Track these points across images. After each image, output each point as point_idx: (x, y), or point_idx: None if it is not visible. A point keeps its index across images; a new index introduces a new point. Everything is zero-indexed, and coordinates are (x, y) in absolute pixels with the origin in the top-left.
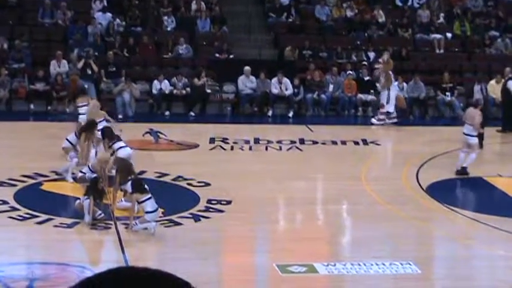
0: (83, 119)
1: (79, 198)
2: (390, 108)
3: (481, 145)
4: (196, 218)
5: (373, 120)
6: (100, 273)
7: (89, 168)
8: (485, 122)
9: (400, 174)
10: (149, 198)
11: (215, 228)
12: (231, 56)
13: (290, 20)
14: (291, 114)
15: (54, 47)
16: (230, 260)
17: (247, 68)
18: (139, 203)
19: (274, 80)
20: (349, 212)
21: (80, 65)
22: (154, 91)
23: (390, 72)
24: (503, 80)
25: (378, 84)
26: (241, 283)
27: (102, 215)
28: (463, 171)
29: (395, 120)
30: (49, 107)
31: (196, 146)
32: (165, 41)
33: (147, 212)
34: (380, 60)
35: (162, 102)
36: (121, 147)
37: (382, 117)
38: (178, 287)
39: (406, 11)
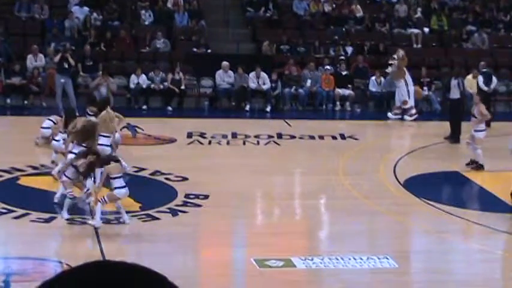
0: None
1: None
2: (412, 102)
3: (458, 140)
4: (174, 212)
5: (390, 115)
6: (76, 266)
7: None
8: (462, 116)
9: (377, 169)
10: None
11: (193, 223)
12: (209, 51)
13: (268, 14)
14: (268, 108)
15: (30, 41)
16: (208, 255)
17: (225, 62)
18: (111, 178)
19: (252, 74)
20: (326, 206)
21: (57, 59)
22: (131, 85)
23: (404, 68)
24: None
25: (389, 78)
26: (218, 277)
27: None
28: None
29: (416, 115)
30: (26, 101)
31: (173, 140)
32: (143, 35)
33: (115, 188)
34: (395, 56)
35: (140, 97)
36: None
37: (398, 111)
38: (154, 281)
39: (384, 6)
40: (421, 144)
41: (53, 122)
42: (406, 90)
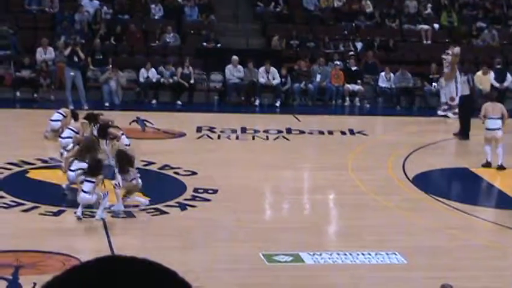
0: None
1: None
2: (458, 100)
3: (467, 136)
4: (183, 206)
5: (439, 112)
6: (86, 261)
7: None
8: (472, 113)
9: (386, 165)
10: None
11: (201, 217)
12: (219, 45)
13: (278, 9)
14: (278, 103)
15: (40, 34)
16: (216, 249)
17: (234, 57)
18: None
19: (262, 69)
20: (335, 202)
21: (67, 52)
22: (141, 79)
23: (456, 66)
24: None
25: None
26: (227, 272)
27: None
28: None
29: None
30: (35, 95)
31: (183, 134)
32: (153, 29)
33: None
34: (449, 51)
35: (149, 91)
36: None
37: (446, 107)
38: (165, 277)
39: (394, 2)
40: (430, 140)
41: (62, 114)
42: (454, 87)
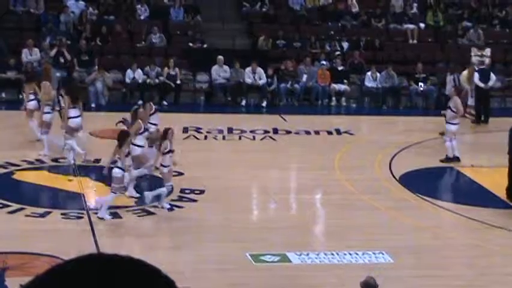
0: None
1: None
2: (471, 102)
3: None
4: (170, 207)
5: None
6: (69, 259)
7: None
8: None
9: (373, 164)
10: None
11: (188, 218)
12: (205, 46)
13: (264, 9)
14: (264, 103)
15: (26, 35)
16: (203, 249)
17: (220, 57)
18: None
19: (248, 69)
20: (322, 202)
21: (53, 53)
22: (127, 80)
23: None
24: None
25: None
26: (213, 272)
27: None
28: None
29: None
30: (20, 96)
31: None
32: (139, 30)
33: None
34: (484, 53)
35: (135, 91)
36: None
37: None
38: (149, 273)
39: (380, 1)
40: (416, 140)
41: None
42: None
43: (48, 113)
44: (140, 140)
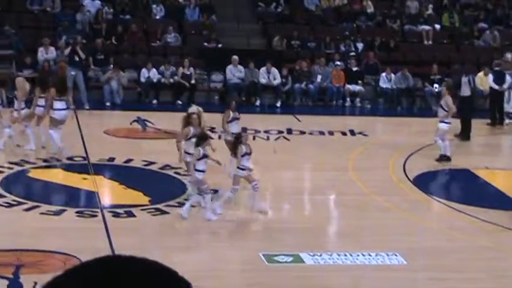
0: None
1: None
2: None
3: (468, 137)
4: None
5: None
6: (87, 261)
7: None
8: (473, 114)
9: (387, 165)
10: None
11: (202, 217)
12: (220, 45)
13: (279, 9)
14: (278, 104)
15: (42, 34)
16: (216, 249)
17: (235, 57)
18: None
19: (263, 69)
20: (336, 202)
21: (67, 51)
22: (142, 79)
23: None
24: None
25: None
26: (226, 272)
27: None
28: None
29: None
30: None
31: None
32: (154, 29)
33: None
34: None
35: (150, 91)
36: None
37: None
38: (166, 277)
39: (395, 2)
40: (431, 141)
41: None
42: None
43: (23, 109)
44: (189, 147)
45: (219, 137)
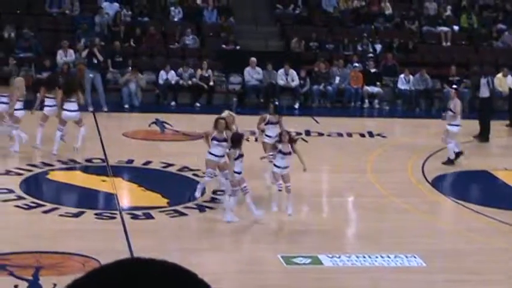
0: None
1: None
2: None
3: (487, 139)
4: (202, 208)
5: None
6: (107, 264)
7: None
8: (492, 115)
9: (405, 167)
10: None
11: (220, 219)
12: (238, 47)
13: (297, 11)
14: (297, 105)
15: (61, 36)
16: (234, 251)
17: (253, 59)
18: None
19: (281, 71)
20: (354, 204)
21: (84, 54)
22: (160, 81)
23: None
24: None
25: None
26: (245, 274)
27: None
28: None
29: None
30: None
31: (202, 136)
32: (172, 31)
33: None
34: None
35: (168, 93)
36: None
37: None
38: (186, 279)
39: (413, 4)
40: None
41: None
42: None
43: (20, 109)
44: (215, 148)
45: (256, 139)
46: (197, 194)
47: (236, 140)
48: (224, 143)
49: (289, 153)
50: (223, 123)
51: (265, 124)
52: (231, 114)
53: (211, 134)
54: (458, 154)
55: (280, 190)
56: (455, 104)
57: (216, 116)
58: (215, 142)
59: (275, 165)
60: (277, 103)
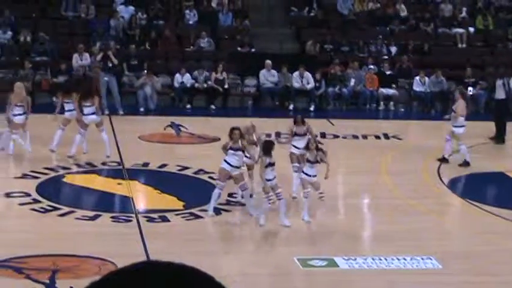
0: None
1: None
2: None
3: (503, 140)
4: (217, 211)
5: None
6: (124, 267)
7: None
8: (508, 117)
9: (421, 169)
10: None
11: (236, 222)
12: (253, 50)
13: (312, 14)
14: (312, 108)
15: (77, 40)
16: (251, 254)
17: (268, 61)
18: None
19: (296, 73)
20: (370, 206)
21: (99, 57)
22: (176, 84)
23: None
24: None
25: None
26: (261, 277)
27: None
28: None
29: None
30: (55, 99)
31: (217, 139)
32: (187, 34)
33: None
34: None
35: (184, 96)
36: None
37: None
38: (203, 282)
39: (429, 5)
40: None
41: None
42: None
43: (20, 114)
44: (230, 157)
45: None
46: (210, 212)
47: (266, 148)
48: (239, 152)
49: (317, 162)
50: (237, 133)
51: (293, 136)
52: (252, 125)
53: (227, 144)
54: (444, 159)
55: (306, 197)
56: (458, 105)
57: (231, 126)
58: (231, 151)
59: (304, 173)
60: (298, 114)
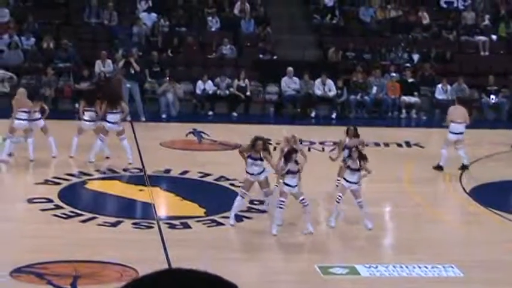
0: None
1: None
2: None
3: None
4: (239, 218)
5: None
6: (147, 274)
7: None
8: None
9: (443, 177)
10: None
11: (257, 229)
12: (275, 57)
13: (334, 21)
14: (334, 115)
15: (99, 46)
16: (272, 261)
17: (290, 68)
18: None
19: (318, 81)
20: (391, 214)
21: (121, 64)
22: (197, 91)
23: None
24: None
25: None
26: (282, 284)
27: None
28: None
29: None
30: (77, 105)
31: (239, 146)
32: (209, 41)
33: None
34: None
35: (206, 103)
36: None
37: None
38: None
39: (451, 13)
40: (487, 153)
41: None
42: None
43: (21, 119)
44: (250, 168)
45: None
46: (231, 222)
47: (287, 154)
48: (259, 162)
49: (358, 170)
50: (261, 144)
51: (343, 149)
52: (293, 135)
53: (246, 151)
54: (464, 166)
55: (338, 202)
56: (450, 110)
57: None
58: (250, 160)
59: (344, 178)
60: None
